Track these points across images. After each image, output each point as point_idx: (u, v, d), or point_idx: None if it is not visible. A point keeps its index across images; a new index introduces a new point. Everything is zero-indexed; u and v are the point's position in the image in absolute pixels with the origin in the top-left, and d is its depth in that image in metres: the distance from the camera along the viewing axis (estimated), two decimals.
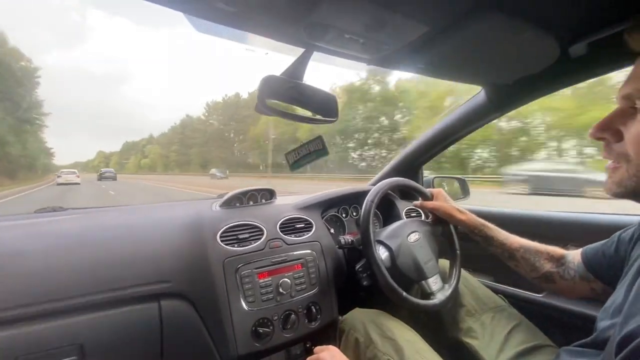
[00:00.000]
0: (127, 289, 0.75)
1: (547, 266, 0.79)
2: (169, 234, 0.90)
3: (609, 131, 0.51)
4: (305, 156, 0.86)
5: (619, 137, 0.50)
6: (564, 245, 0.82)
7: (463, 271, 0.98)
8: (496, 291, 0.98)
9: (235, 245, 0.91)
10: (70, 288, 0.71)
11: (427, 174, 1.54)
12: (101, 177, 31.60)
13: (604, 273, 0.69)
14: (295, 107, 0.79)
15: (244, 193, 1.11)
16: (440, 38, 0.68)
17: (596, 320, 0.59)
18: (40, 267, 0.72)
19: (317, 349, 0.74)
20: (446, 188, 1.51)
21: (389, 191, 1.00)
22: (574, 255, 0.77)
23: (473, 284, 0.98)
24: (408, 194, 1.42)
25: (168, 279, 0.80)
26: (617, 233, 0.68)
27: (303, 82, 0.77)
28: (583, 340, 0.59)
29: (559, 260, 0.78)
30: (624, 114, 0.49)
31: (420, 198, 1.02)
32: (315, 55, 0.74)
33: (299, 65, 0.74)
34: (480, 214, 1.24)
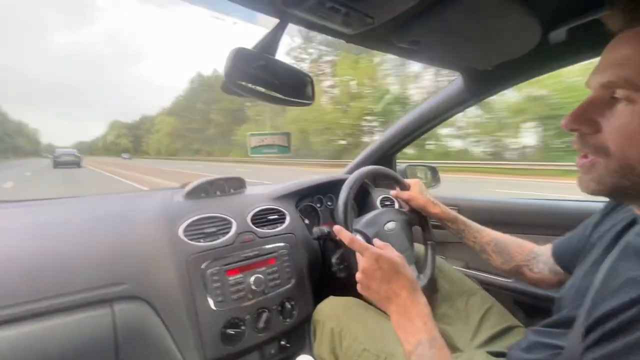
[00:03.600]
0: (72, 294, 0.65)
1: (517, 259, 0.81)
2: (123, 229, 0.80)
3: (585, 122, 0.47)
4: (268, 146, 0.82)
5: (596, 128, 0.46)
6: (535, 231, 0.83)
7: (437, 257, 0.98)
8: (468, 277, 0.99)
9: (201, 241, 0.83)
10: (4, 296, 0.60)
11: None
12: (57, 163, 20.35)
13: (572, 264, 0.69)
14: (267, 86, 0.72)
15: (210, 182, 1.02)
16: (426, 15, 0.64)
17: (557, 300, 0.60)
18: None
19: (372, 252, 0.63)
20: (418, 175, 1.51)
21: (365, 179, 0.97)
22: (544, 249, 0.78)
23: (447, 268, 0.99)
24: (382, 181, 1.41)
25: (122, 280, 0.70)
26: (585, 221, 0.68)
27: (276, 58, 0.69)
28: (547, 320, 0.60)
29: (528, 254, 0.80)
30: (601, 103, 0.45)
31: (397, 187, 1.00)
32: (291, 28, 0.67)
33: (272, 39, 0.66)
34: (453, 201, 1.26)
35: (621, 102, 0.43)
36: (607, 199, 0.61)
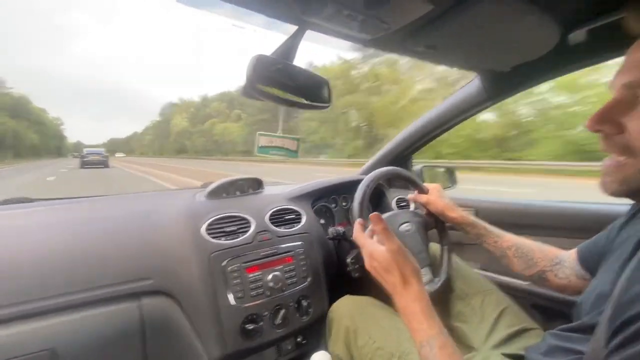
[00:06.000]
0: (103, 288, 0.69)
1: (541, 265, 0.78)
2: (149, 227, 0.84)
3: (608, 123, 0.47)
4: (276, 148, 0.85)
5: (620, 129, 0.46)
6: (556, 234, 0.81)
7: (454, 256, 0.98)
8: (484, 278, 0.99)
9: (222, 239, 0.86)
10: (40, 289, 0.65)
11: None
12: (84, 163, 21.03)
13: (597, 267, 0.67)
14: (285, 90, 0.74)
15: (231, 183, 1.05)
16: (442, 19, 0.64)
17: (576, 305, 0.59)
18: (5, 266, 0.65)
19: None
20: (427, 176, 1.49)
21: (381, 180, 0.98)
22: (569, 254, 0.76)
23: (463, 268, 0.98)
24: (396, 182, 1.41)
25: (149, 275, 0.75)
26: (611, 224, 0.67)
27: (294, 63, 0.72)
28: (569, 325, 0.59)
29: (553, 260, 0.78)
30: (624, 104, 0.45)
31: (415, 190, 1.00)
32: (308, 34, 0.69)
33: (291, 45, 0.69)
34: (470, 203, 1.25)
35: None
36: (630, 201, 0.61)
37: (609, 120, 0.47)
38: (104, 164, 21.85)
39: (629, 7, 0.50)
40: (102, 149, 28.29)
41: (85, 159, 21.73)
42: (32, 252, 0.70)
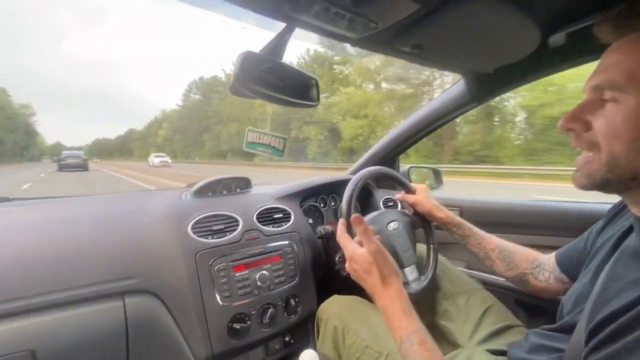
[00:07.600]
0: (84, 287, 0.67)
1: (522, 267, 0.81)
2: (134, 226, 0.83)
3: (578, 122, 0.52)
4: (263, 145, 0.85)
5: (588, 127, 0.50)
6: (539, 233, 0.83)
7: (440, 256, 0.99)
8: (470, 277, 1.00)
9: (209, 238, 0.85)
10: (20, 288, 0.63)
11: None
12: (62, 166, 20.83)
13: (576, 271, 0.69)
14: (273, 88, 0.74)
15: (218, 182, 1.04)
16: (428, 19, 0.66)
17: (560, 305, 0.62)
18: None
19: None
20: (414, 177, 1.51)
21: (369, 179, 0.99)
22: (549, 257, 0.79)
23: (449, 267, 1.00)
24: (384, 182, 1.42)
25: (133, 274, 0.73)
26: (590, 228, 0.69)
27: (282, 61, 0.72)
28: (550, 325, 0.61)
29: (533, 262, 0.81)
30: (593, 105, 0.50)
31: (402, 190, 1.01)
32: (297, 32, 0.69)
33: (279, 43, 0.69)
34: (456, 202, 1.27)
35: (609, 102, 0.47)
36: (609, 202, 0.63)
37: (578, 119, 0.51)
38: (83, 167, 21.97)
39: (595, 17, 0.54)
40: (81, 152, 29.01)
41: (63, 162, 21.66)
42: (11, 250, 0.68)
